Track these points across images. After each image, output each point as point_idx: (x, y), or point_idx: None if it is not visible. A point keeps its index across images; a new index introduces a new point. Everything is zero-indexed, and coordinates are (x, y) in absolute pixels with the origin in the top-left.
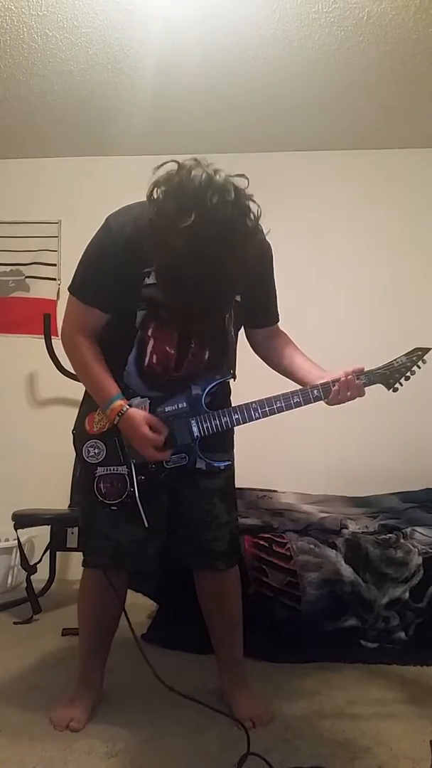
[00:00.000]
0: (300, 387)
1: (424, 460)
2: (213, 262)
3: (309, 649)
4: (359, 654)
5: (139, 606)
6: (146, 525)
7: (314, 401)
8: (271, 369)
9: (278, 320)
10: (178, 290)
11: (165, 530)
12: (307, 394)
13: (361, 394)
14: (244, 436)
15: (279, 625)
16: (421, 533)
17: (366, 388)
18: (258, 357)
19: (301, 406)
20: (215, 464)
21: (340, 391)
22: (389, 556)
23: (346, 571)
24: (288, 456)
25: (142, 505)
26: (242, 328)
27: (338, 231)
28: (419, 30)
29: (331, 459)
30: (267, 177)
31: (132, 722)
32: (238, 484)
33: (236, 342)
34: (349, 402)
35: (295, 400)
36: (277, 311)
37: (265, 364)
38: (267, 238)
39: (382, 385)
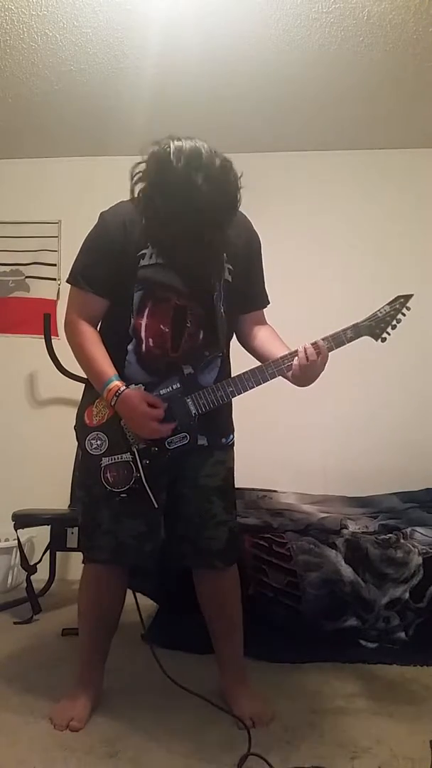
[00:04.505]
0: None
1: (424, 460)
2: (190, 205)
3: (309, 649)
4: (359, 654)
5: (139, 606)
6: (155, 506)
7: (308, 360)
8: None
9: (267, 304)
10: (170, 245)
11: (162, 528)
12: (297, 354)
13: (323, 360)
14: (244, 436)
15: (279, 625)
16: (421, 533)
17: (363, 383)
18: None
19: (292, 369)
20: (218, 440)
21: (300, 361)
22: (389, 556)
23: (346, 571)
24: (288, 456)
25: (150, 488)
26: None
27: (338, 231)
28: (419, 30)
29: (330, 459)
30: (267, 177)
31: (132, 722)
32: (238, 484)
33: (231, 327)
34: (348, 401)
35: (286, 364)
36: (264, 297)
37: None
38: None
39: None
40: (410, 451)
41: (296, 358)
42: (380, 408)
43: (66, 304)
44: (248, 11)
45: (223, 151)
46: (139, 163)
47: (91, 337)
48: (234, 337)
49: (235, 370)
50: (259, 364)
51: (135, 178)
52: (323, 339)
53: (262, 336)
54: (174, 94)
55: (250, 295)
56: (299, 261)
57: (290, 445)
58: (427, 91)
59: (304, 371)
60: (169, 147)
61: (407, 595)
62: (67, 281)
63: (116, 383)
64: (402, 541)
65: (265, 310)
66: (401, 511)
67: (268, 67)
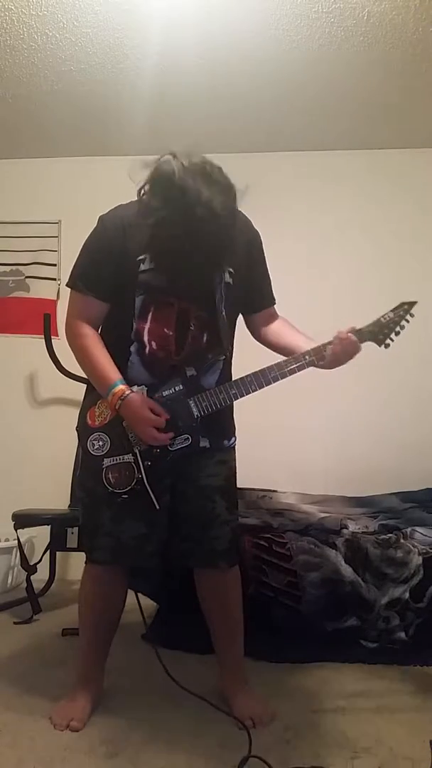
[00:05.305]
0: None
1: (424, 460)
2: (193, 225)
3: (309, 649)
4: (359, 654)
5: (141, 606)
6: (157, 507)
7: (308, 366)
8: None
9: (274, 302)
10: (171, 262)
11: (165, 528)
12: (300, 359)
13: (358, 349)
14: (244, 436)
15: (279, 625)
16: (421, 533)
17: (363, 383)
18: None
19: (296, 372)
20: (220, 442)
21: (337, 348)
22: (389, 556)
23: (346, 571)
24: (288, 456)
25: (151, 489)
26: (240, 318)
27: (338, 231)
28: (419, 30)
29: (331, 459)
30: (267, 177)
31: (132, 722)
32: (238, 484)
33: (233, 329)
34: (348, 401)
35: (289, 368)
36: (272, 293)
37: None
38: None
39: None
40: (410, 451)
41: (327, 347)
42: (380, 408)
43: (65, 304)
44: (248, 11)
45: (223, 152)
46: (144, 184)
47: (93, 340)
48: (241, 337)
49: (236, 372)
50: (269, 364)
51: (139, 194)
52: (329, 343)
53: (275, 330)
54: (174, 94)
55: (257, 294)
56: (299, 261)
57: (290, 445)
58: (427, 91)
59: (339, 357)
60: (171, 164)
61: (407, 595)
62: (67, 285)
63: (121, 387)
64: (402, 541)
65: None
66: (401, 511)
67: (268, 67)
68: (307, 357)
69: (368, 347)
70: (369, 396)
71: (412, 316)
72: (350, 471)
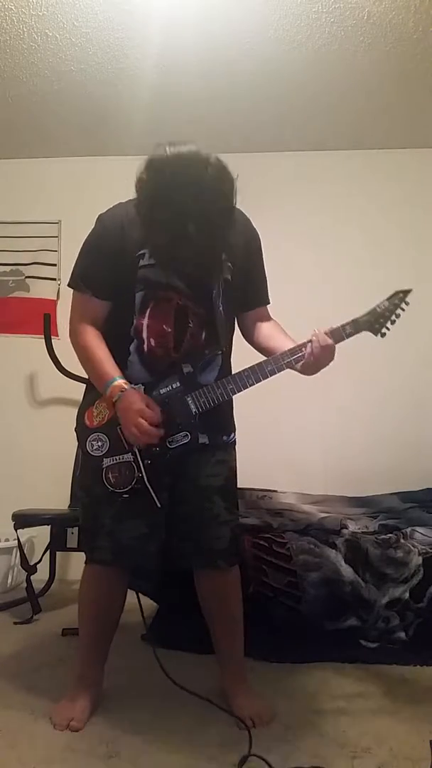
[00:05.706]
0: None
1: (424, 460)
2: (185, 210)
3: (309, 649)
4: (359, 654)
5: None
6: (159, 505)
7: (306, 359)
8: None
9: (268, 302)
10: (170, 251)
11: (164, 528)
12: (297, 351)
13: (333, 349)
14: (244, 436)
15: (279, 625)
16: (421, 533)
17: (363, 383)
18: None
19: (292, 366)
20: (219, 438)
21: (314, 347)
22: (389, 556)
23: (346, 571)
24: (288, 456)
25: (152, 487)
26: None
27: (338, 231)
28: (419, 30)
29: (330, 459)
30: (267, 177)
31: (132, 722)
32: (238, 484)
33: (231, 327)
34: (348, 401)
35: (286, 360)
36: (267, 293)
37: None
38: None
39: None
40: (410, 451)
41: (308, 345)
42: (380, 407)
43: (65, 304)
44: (248, 11)
45: (223, 151)
46: (140, 174)
47: (94, 339)
48: (235, 335)
49: (235, 368)
50: (260, 360)
51: (136, 187)
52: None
53: (265, 332)
54: (174, 93)
55: (251, 293)
56: (298, 261)
57: (290, 445)
58: (427, 91)
59: (316, 360)
60: (163, 153)
61: (407, 595)
62: (68, 285)
63: (120, 382)
64: (402, 541)
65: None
66: (401, 511)
67: (268, 67)
68: (304, 349)
69: (366, 340)
70: (368, 395)
71: (407, 304)
72: (350, 471)
